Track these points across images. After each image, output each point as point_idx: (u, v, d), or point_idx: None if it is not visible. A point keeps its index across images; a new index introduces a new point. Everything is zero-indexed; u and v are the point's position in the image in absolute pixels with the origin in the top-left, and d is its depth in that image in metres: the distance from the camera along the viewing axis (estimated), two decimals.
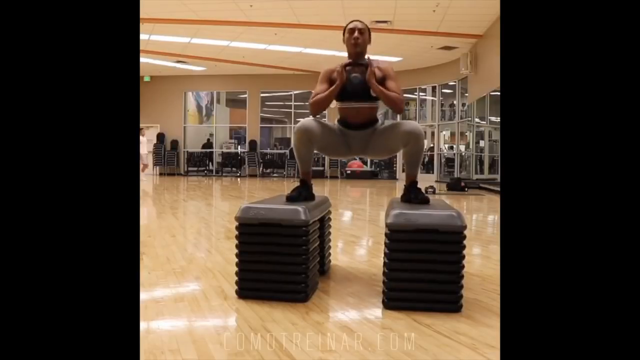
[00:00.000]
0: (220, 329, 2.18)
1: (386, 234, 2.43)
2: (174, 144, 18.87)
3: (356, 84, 2.81)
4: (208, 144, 19.46)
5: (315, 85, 2.92)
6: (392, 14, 10.61)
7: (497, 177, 13.67)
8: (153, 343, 1.97)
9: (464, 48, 13.64)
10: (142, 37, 12.63)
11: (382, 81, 2.81)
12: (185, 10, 10.67)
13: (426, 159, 17.50)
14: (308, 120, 2.77)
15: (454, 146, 17.04)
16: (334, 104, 2.92)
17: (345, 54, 2.93)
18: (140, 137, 14.62)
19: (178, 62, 16.21)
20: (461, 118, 16.34)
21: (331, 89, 2.80)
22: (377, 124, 2.91)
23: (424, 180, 13.81)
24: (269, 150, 19.81)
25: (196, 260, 3.63)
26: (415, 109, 18.16)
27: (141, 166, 14.58)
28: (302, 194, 2.80)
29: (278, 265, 2.50)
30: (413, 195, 2.79)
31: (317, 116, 2.89)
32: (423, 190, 2.86)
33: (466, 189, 11.35)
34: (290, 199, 2.75)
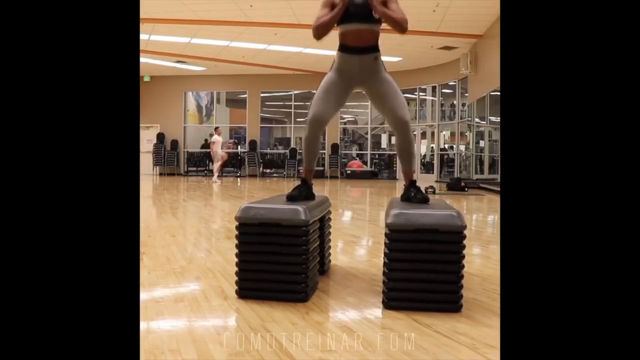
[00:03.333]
0: (220, 329, 2.18)
1: (386, 234, 2.43)
2: (174, 144, 18.86)
3: (358, 5, 2.75)
4: (207, 144, 19.44)
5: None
6: None
7: (497, 177, 13.67)
8: (153, 343, 1.97)
9: (464, 48, 13.64)
10: (142, 37, 12.62)
11: (384, 4, 2.75)
12: (185, 10, 10.67)
13: (426, 159, 17.51)
14: (318, 110, 2.78)
15: (454, 146, 17.04)
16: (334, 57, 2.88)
17: None
18: (216, 136, 14.44)
19: (178, 62, 16.21)
20: (461, 118, 16.34)
21: (334, 11, 2.74)
22: (378, 53, 2.84)
23: (424, 180, 13.81)
24: (269, 150, 19.80)
25: (196, 260, 3.63)
26: (415, 109, 18.16)
27: (219, 163, 14.52)
28: (303, 193, 2.80)
29: (278, 265, 2.50)
30: (413, 194, 2.78)
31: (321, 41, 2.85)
32: (423, 190, 2.86)
33: (466, 189, 11.35)
34: (291, 198, 2.75)
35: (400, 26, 2.74)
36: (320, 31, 2.80)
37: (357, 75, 2.84)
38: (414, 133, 16.93)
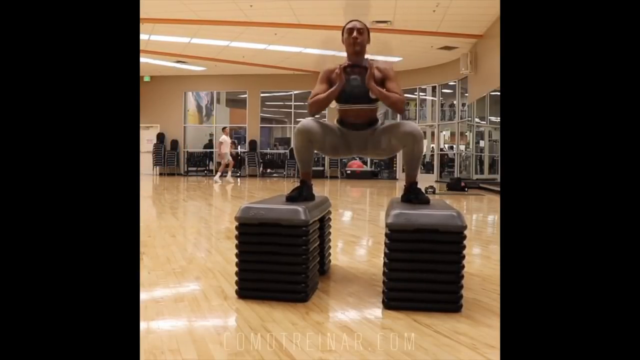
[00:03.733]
0: (220, 329, 2.18)
1: (386, 234, 2.43)
2: (174, 144, 18.86)
3: (355, 86, 2.80)
4: (210, 144, 19.45)
5: (315, 85, 2.92)
6: (392, 14, 10.61)
7: (497, 177, 13.67)
8: (153, 343, 1.97)
9: (464, 48, 13.64)
10: (142, 37, 12.62)
11: (381, 82, 2.80)
12: (185, 10, 10.67)
13: (426, 159, 17.50)
14: (308, 121, 2.76)
15: (454, 146, 17.04)
16: (333, 104, 2.91)
17: (345, 55, 2.92)
18: (224, 137, 14.13)
19: (178, 62, 16.21)
20: (461, 118, 16.34)
21: (330, 90, 2.79)
22: (377, 124, 2.91)
23: (424, 180, 13.81)
24: (269, 150, 19.80)
25: (196, 260, 3.63)
26: (415, 109, 18.16)
27: (225, 165, 14.15)
28: (303, 193, 2.80)
29: (278, 265, 2.50)
30: (413, 196, 2.79)
31: (316, 116, 2.89)
32: (423, 190, 2.86)
33: (466, 189, 11.35)
34: (290, 199, 2.75)
35: (398, 107, 2.81)
36: (314, 108, 2.87)
37: (358, 142, 2.93)
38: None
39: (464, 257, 2.37)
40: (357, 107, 2.84)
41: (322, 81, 2.88)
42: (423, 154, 2.94)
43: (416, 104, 18.06)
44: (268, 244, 2.52)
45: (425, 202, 2.76)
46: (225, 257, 3.65)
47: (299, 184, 2.87)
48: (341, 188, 13.16)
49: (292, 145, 3.03)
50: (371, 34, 2.95)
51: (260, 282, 2.53)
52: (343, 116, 2.91)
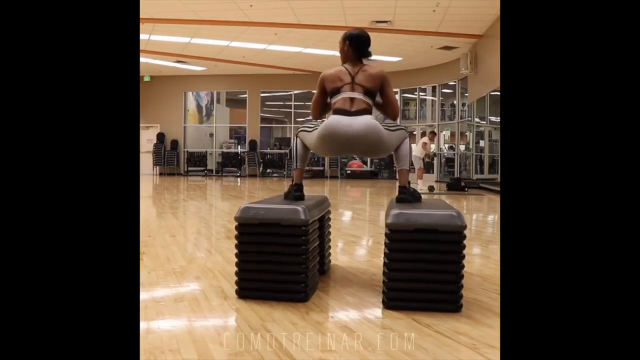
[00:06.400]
0: (220, 329, 2.18)
1: (386, 234, 2.43)
2: (174, 144, 18.86)
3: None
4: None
5: (314, 85, 2.93)
6: (392, 14, 10.61)
7: (497, 177, 13.67)
8: (153, 343, 1.97)
9: (464, 48, 13.63)
10: (142, 37, 12.62)
11: (380, 88, 2.82)
12: (185, 10, 10.67)
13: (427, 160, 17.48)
14: (306, 133, 2.90)
15: (454, 146, 17.04)
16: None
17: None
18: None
19: (178, 62, 16.20)
20: (461, 118, 16.34)
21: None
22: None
23: (424, 180, 13.78)
24: (269, 150, 19.80)
25: (196, 260, 3.63)
26: (415, 109, 18.15)
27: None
28: (296, 193, 2.83)
29: (278, 265, 2.50)
30: (405, 196, 2.85)
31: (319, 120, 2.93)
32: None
33: (466, 189, 11.35)
34: (296, 197, 2.80)
35: (395, 116, 2.95)
36: (314, 116, 3.00)
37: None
38: (414, 133, 17.00)
39: (463, 257, 2.37)
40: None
41: (320, 89, 2.90)
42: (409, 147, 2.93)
43: (416, 104, 18.06)
44: (268, 244, 2.52)
45: (417, 199, 2.87)
46: (225, 257, 3.65)
47: (295, 184, 2.87)
48: (341, 188, 13.16)
49: (293, 143, 3.02)
50: (372, 35, 2.95)
51: (260, 282, 2.53)
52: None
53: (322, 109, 2.96)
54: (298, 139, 2.97)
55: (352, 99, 2.75)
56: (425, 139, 11.62)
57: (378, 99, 2.87)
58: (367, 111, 2.76)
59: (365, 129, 2.70)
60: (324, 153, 3.04)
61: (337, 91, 2.79)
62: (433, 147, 16.31)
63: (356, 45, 2.85)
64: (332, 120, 2.75)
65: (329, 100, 2.88)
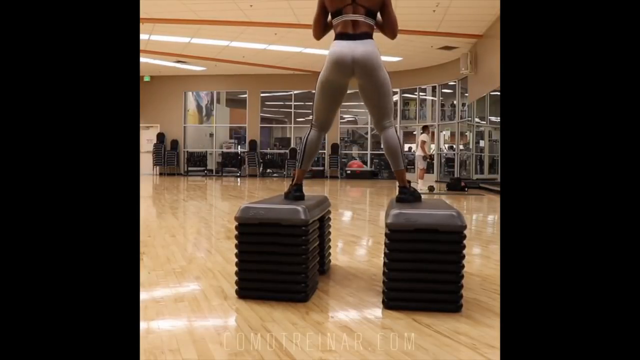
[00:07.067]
0: (220, 329, 2.18)
1: (386, 234, 2.43)
2: (174, 144, 18.86)
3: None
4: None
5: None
6: None
7: (497, 177, 13.67)
8: (153, 343, 1.97)
9: (464, 48, 13.63)
10: (142, 37, 12.62)
11: (382, 6, 2.81)
12: (185, 10, 10.66)
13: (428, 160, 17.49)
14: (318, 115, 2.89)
15: (454, 146, 17.04)
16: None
17: None
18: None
19: (178, 62, 16.20)
20: (461, 118, 16.34)
21: None
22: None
23: (424, 180, 13.78)
24: (269, 150, 19.80)
25: (196, 260, 3.63)
26: (415, 109, 18.15)
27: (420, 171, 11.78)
28: (296, 193, 2.83)
29: (278, 265, 2.50)
30: (405, 196, 2.84)
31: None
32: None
33: (466, 189, 11.34)
34: (296, 197, 2.79)
35: (395, 35, 2.93)
36: (315, 33, 2.97)
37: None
38: (414, 133, 17.00)
39: (463, 257, 2.37)
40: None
41: (320, 7, 2.88)
42: (399, 145, 2.91)
43: (416, 104, 18.06)
44: (268, 244, 2.52)
45: (417, 199, 2.86)
46: (225, 257, 3.65)
47: (295, 184, 2.86)
48: (341, 188, 13.16)
49: (304, 137, 3.01)
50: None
51: (260, 282, 2.53)
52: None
53: (323, 28, 2.93)
54: (312, 131, 2.92)
55: (354, 22, 2.75)
56: (424, 137, 11.58)
57: (379, 18, 2.85)
58: (369, 34, 2.77)
59: (367, 53, 2.71)
60: (334, 88, 2.86)
61: (338, 12, 2.78)
62: (433, 147, 16.33)
63: None
64: (337, 44, 2.76)
65: (329, 19, 2.87)
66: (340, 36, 2.76)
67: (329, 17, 2.86)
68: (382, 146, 3.04)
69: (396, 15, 2.96)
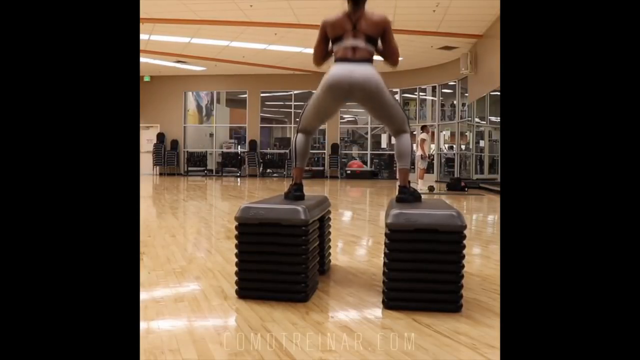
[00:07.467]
0: (220, 329, 2.18)
1: (386, 234, 2.43)
2: (174, 144, 18.86)
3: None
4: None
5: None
6: (392, 14, 10.60)
7: (497, 177, 13.66)
8: (153, 343, 1.97)
9: (464, 48, 13.63)
10: (142, 37, 12.61)
11: (382, 35, 2.82)
12: (185, 10, 10.66)
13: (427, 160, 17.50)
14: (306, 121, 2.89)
15: (454, 146, 17.04)
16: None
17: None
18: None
19: (178, 62, 16.20)
20: (461, 118, 16.34)
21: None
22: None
23: (424, 180, 13.78)
24: (269, 150, 19.80)
25: (196, 260, 3.63)
26: (416, 109, 18.15)
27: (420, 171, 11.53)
28: (297, 193, 2.83)
29: (278, 265, 2.50)
30: (405, 196, 2.84)
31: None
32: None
33: (466, 189, 11.34)
34: (297, 197, 2.79)
35: (395, 63, 2.95)
36: (316, 60, 3.00)
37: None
38: (414, 133, 17.02)
39: (463, 257, 2.37)
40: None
41: (321, 36, 2.89)
42: (410, 147, 2.94)
43: (416, 103, 18.06)
44: (268, 244, 2.52)
45: (417, 199, 2.86)
46: (225, 257, 3.65)
47: (295, 183, 2.87)
48: (341, 188, 13.16)
49: (293, 139, 3.03)
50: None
51: (260, 282, 2.53)
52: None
53: (324, 55, 2.95)
54: (299, 135, 2.96)
55: (354, 48, 2.75)
56: (423, 136, 11.57)
57: (380, 46, 2.86)
58: (368, 59, 2.77)
59: (366, 76, 2.71)
60: (327, 106, 2.89)
61: (339, 39, 2.79)
62: (433, 147, 16.33)
63: None
64: (335, 68, 2.76)
65: (330, 47, 2.88)
66: (339, 60, 2.78)
67: (330, 44, 2.88)
68: (394, 149, 3.06)
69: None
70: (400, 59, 2.98)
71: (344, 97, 2.81)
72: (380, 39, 2.83)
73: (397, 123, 2.89)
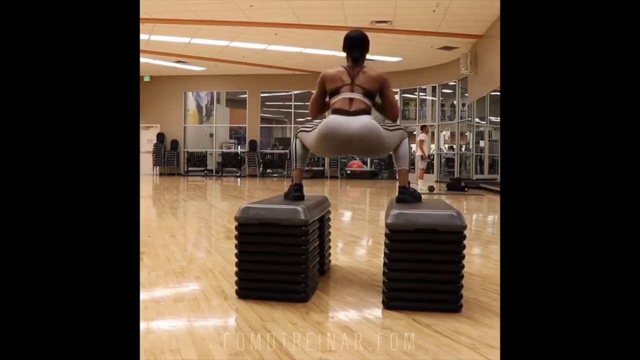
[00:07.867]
0: (220, 329, 2.18)
1: (386, 234, 2.43)
2: (174, 144, 18.86)
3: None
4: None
5: (314, 85, 2.93)
6: (392, 14, 10.61)
7: (497, 177, 13.66)
8: (153, 343, 1.97)
9: (464, 48, 13.64)
10: (142, 37, 12.62)
11: (380, 90, 2.83)
12: (185, 10, 10.67)
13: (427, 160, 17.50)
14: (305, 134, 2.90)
15: (454, 146, 17.04)
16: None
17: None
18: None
19: (178, 62, 16.20)
20: (461, 118, 16.34)
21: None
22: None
23: (424, 180, 13.79)
24: (269, 150, 19.81)
25: (196, 260, 3.63)
26: (415, 109, 18.15)
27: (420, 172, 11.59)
28: (296, 193, 2.83)
29: (278, 265, 2.50)
30: (405, 196, 2.84)
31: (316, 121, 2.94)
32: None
33: (466, 189, 11.34)
34: (297, 197, 2.79)
35: (395, 118, 2.95)
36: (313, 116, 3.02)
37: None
38: (414, 133, 17.01)
39: (463, 257, 2.37)
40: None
41: (319, 89, 2.91)
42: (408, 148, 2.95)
43: (416, 104, 18.06)
44: (268, 244, 2.52)
45: (417, 199, 2.87)
46: (225, 257, 3.65)
47: (295, 184, 2.87)
48: (341, 188, 13.16)
49: (292, 144, 3.04)
50: (371, 35, 2.96)
51: (260, 282, 2.53)
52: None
53: (321, 107, 2.97)
54: (297, 139, 2.97)
55: (351, 100, 2.76)
56: (422, 136, 11.57)
57: (378, 100, 2.87)
58: (365, 111, 2.76)
59: (364, 129, 2.70)
60: (323, 153, 3.02)
61: (336, 91, 2.80)
62: (433, 147, 16.32)
63: (351, 46, 2.85)
64: (331, 119, 2.75)
65: (327, 99, 2.89)
66: (336, 111, 2.78)
67: (327, 97, 2.89)
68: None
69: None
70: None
71: (343, 148, 2.82)
72: (378, 94, 2.84)
73: (399, 140, 2.89)
